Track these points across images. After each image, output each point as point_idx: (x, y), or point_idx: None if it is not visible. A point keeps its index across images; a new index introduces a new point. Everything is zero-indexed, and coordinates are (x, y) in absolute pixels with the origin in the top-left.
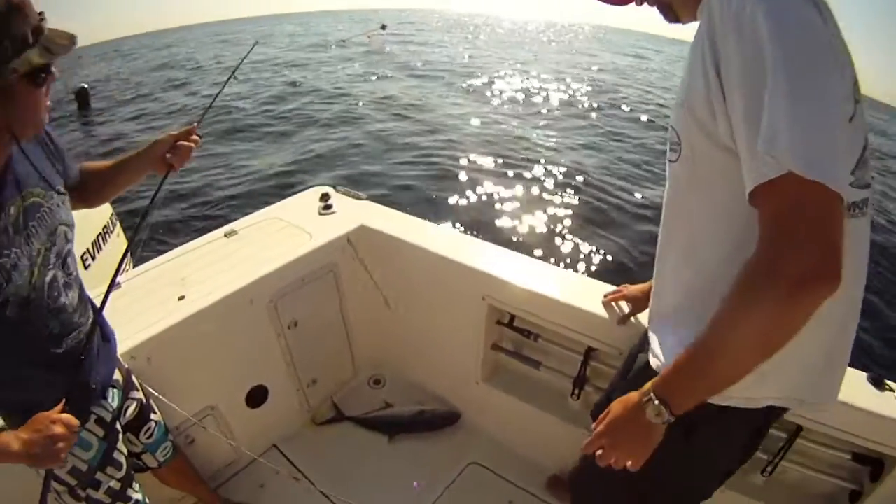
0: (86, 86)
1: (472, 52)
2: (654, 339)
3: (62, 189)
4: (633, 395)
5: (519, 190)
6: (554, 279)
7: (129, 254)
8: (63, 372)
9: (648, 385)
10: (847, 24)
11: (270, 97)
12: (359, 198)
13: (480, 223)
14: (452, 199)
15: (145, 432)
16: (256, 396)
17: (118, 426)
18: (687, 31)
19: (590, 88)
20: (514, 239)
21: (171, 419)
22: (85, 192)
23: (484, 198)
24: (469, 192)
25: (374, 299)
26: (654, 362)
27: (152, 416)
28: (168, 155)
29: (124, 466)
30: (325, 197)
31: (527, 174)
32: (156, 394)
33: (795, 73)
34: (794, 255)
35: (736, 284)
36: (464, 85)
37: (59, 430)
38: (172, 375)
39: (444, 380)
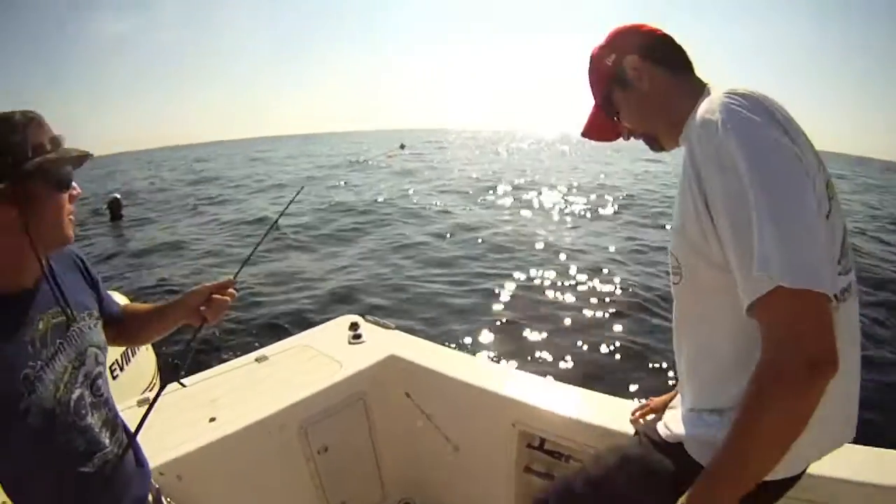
0: (118, 196)
1: (495, 165)
2: (676, 420)
3: (95, 313)
4: None
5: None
6: (581, 401)
7: (162, 383)
8: (94, 492)
9: (682, 499)
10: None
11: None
12: (388, 327)
13: (508, 339)
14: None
15: None
16: None
17: None
18: None
19: (609, 196)
20: (543, 358)
21: None
22: (125, 331)
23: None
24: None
25: (403, 427)
26: (666, 434)
27: None
28: (202, 308)
29: None
30: (354, 326)
31: (552, 282)
32: None
33: (775, 197)
34: (795, 357)
35: (748, 389)
36: (489, 197)
37: None
38: (201, 494)
39: (476, 502)
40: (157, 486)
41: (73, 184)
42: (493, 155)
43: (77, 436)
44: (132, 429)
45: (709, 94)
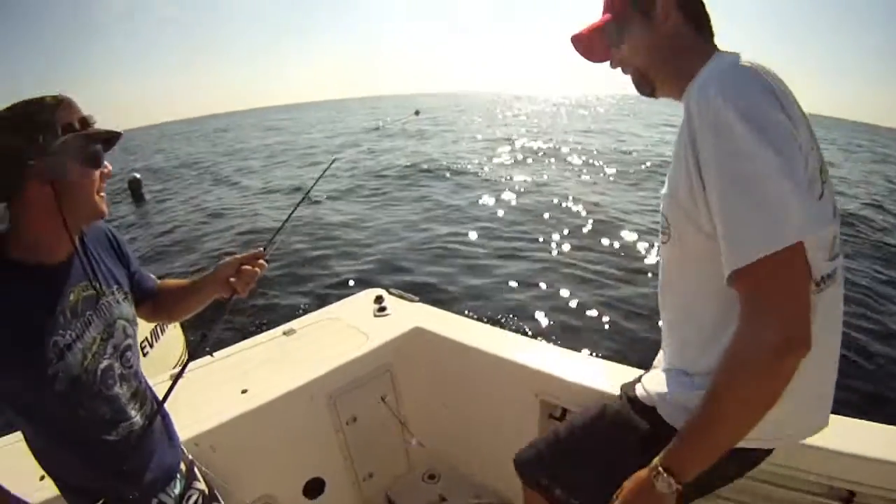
0: (138, 175)
1: (505, 127)
2: (653, 380)
3: (125, 288)
4: (643, 472)
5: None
6: (603, 371)
7: (190, 357)
8: (119, 460)
9: (656, 460)
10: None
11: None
12: (412, 300)
13: (535, 307)
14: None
15: None
16: (314, 488)
17: None
18: None
19: (640, 163)
20: (568, 326)
21: None
22: (161, 306)
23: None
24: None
25: (428, 397)
26: (642, 395)
27: None
28: (233, 279)
29: None
30: (379, 299)
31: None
32: (217, 479)
33: (766, 169)
34: (769, 332)
35: (722, 359)
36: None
37: None
38: (234, 464)
39: (499, 474)
40: (190, 456)
41: (105, 162)
42: (512, 117)
43: (102, 404)
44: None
45: (717, 59)
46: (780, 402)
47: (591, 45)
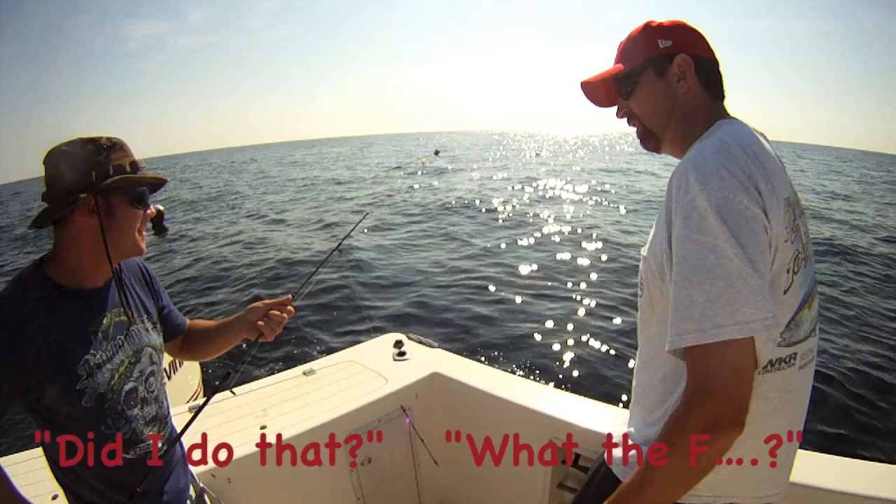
0: (161, 207)
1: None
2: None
3: (154, 318)
4: None
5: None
6: (616, 418)
7: (212, 391)
8: (134, 478)
9: None
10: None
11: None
12: (431, 346)
13: (548, 355)
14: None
15: None
16: None
17: None
18: None
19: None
20: (581, 374)
21: None
22: (189, 344)
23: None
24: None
25: (443, 442)
26: (607, 455)
27: None
28: (260, 323)
29: None
30: (398, 344)
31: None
32: None
33: (725, 262)
34: (702, 409)
35: (662, 429)
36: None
37: None
38: (248, 497)
39: None
40: (201, 484)
41: (150, 204)
42: (534, 156)
43: (124, 422)
44: (179, 430)
45: (717, 129)
46: (722, 469)
47: (598, 91)
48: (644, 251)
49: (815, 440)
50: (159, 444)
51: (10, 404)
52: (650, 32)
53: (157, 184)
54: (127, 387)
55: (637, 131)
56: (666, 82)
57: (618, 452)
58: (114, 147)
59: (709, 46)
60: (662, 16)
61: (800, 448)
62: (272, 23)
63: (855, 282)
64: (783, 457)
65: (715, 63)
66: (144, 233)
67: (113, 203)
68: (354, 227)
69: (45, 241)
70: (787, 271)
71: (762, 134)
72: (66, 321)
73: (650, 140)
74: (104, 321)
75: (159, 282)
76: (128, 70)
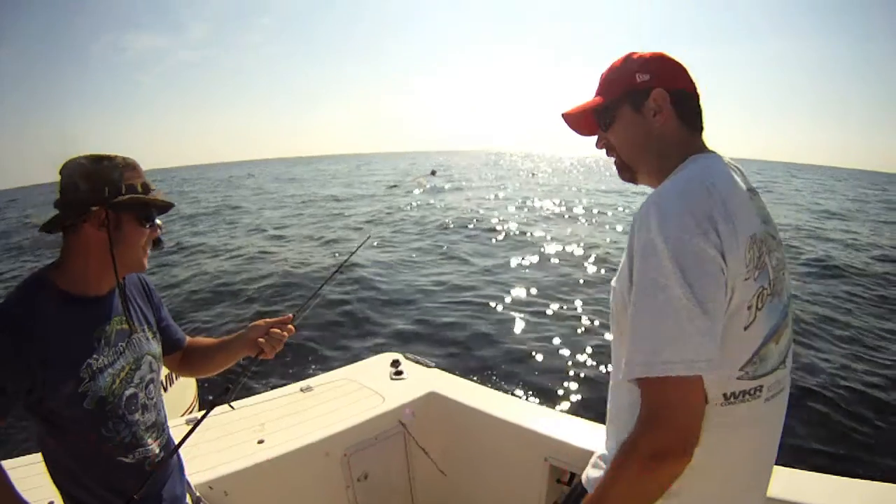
0: (159, 222)
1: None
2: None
3: (154, 329)
4: None
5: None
6: None
7: (211, 405)
8: (132, 483)
9: None
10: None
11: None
12: (427, 366)
13: (545, 373)
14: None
15: None
16: None
17: None
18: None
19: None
20: (578, 394)
21: None
22: (187, 361)
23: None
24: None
25: (440, 460)
26: (583, 476)
27: None
28: (261, 340)
29: None
30: (395, 363)
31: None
32: None
33: (675, 301)
34: (649, 437)
35: (616, 452)
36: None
37: None
38: None
39: None
40: (197, 494)
41: (158, 224)
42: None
43: (124, 427)
44: (177, 440)
45: (689, 164)
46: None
47: (580, 121)
48: (613, 282)
49: (811, 459)
50: (157, 451)
51: (14, 405)
52: (629, 65)
53: (165, 207)
54: (128, 392)
55: (615, 162)
56: (642, 116)
57: (593, 472)
58: (128, 167)
59: (688, 79)
60: (664, 40)
61: (793, 468)
62: (269, 39)
63: (849, 301)
64: (754, 485)
65: (693, 96)
66: (148, 250)
67: (122, 219)
68: (357, 249)
69: (44, 252)
70: (749, 308)
71: (737, 168)
72: (70, 325)
73: (626, 171)
74: (107, 328)
75: (158, 295)
76: (126, 80)
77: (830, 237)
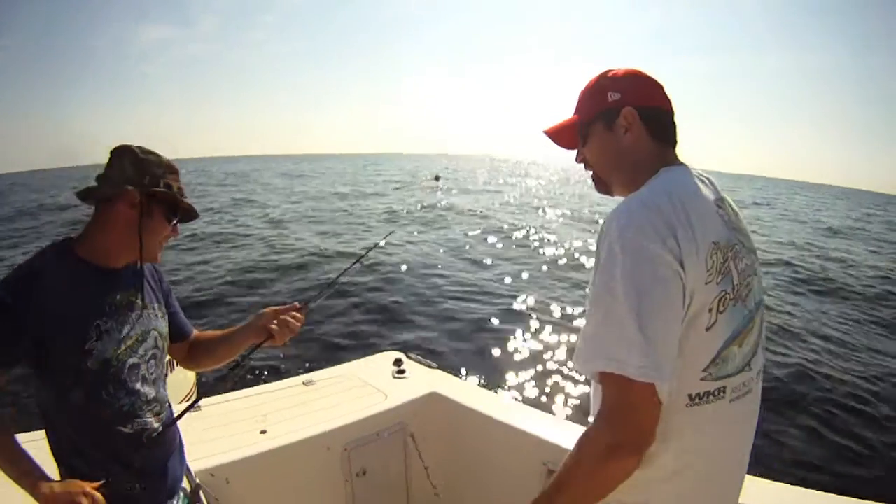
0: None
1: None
2: None
3: (163, 309)
4: None
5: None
6: None
7: (208, 393)
8: (127, 452)
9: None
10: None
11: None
12: (430, 366)
13: (543, 379)
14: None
15: None
16: None
17: None
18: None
19: None
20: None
21: None
22: (193, 355)
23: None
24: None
25: (439, 460)
26: None
27: None
28: (273, 326)
29: None
30: (398, 362)
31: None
32: None
33: (629, 303)
34: (602, 432)
35: (575, 442)
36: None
37: (84, 502)
38: (244, 499)
39: None
40: (197, 480)
41: (178, 227)
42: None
43: (124, 395)
44: (180, 426)
45: (659, 177)
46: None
47: (561, 137)
48: (589, 286)
49: (805, 475)
50: (157, 426)
51: (21, 353)
52: (602, 85)
53: (191, 214)
54: (131, 361)
55: (591, 176)
56: (613, 134)
57: None
58: (171, 169)
59: (661, 95)
60: (664, 45)
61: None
62: (272, 37)
63: (843, 318)
64: (726, 485)
65: (665, 112)
66: (163, 246)
67: (152, 209)
68: (378, 244)
69: (47, 239)
70: (710, 311)
71: (707, 179)
72: (83, 286)
73: (602, 185)
74: (118, 297)
75: (168, 285)
76: (132, 72)
77: (830, 256)
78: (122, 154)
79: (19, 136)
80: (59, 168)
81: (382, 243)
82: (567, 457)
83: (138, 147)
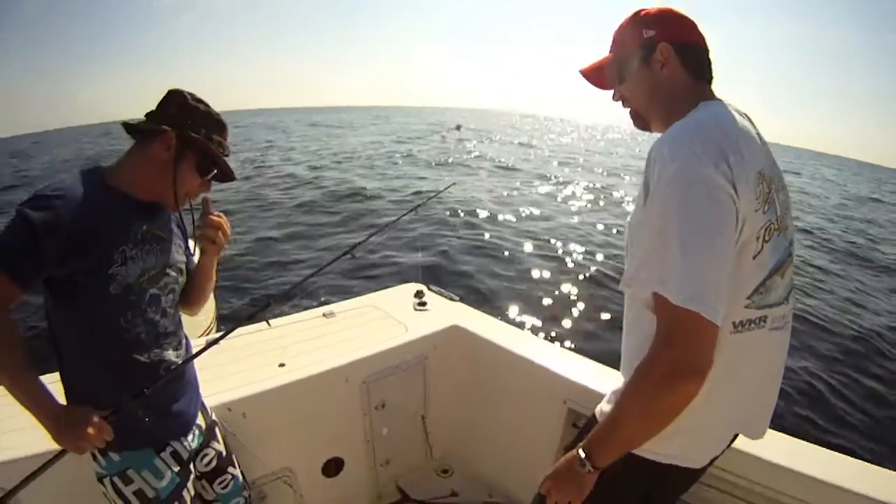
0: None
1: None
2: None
3: (186, 246)
4: (573, 452)
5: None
6: None
7: (229, 326)
8: (141, 381)
9: (582, 443)
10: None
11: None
12: (452, 299)
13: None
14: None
15: (220, 483)
16: (332, 467)
17: (192, 467)
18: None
19: None
20: (593, 342)
21: (249, 472)
22: (184, 297)
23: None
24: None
25: (457, 393)
26: (597, 409)
27: (230, 469)
28: (198, 234)
29: None
30: (419, 294)
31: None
32: (242, 444)
33: (687, 229)
34: (665, 356)
35: (633, 371)
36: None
37: (91, 431)
38: (261, 434)
39: (513, 475)
40: (213, 417)
41: (209, 185)
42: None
43: (142, 324)
44: (197, 361)
45: (699, 108)
46: (684, 424)
47: (597, 77)
48: (629, 219)
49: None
50: (174, 359)
51: (45, 269)
52: (637, 23)
53: (227, 175)
54: (152, 291)
55: (629, 112)
56: (650, 69)
57: (607, 407)
58: (219, 124)
59: (695, 32)
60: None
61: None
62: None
63: (867, 289)
64: (760, 412)
65: (700, 48)
66: (193, 198)
67: (186, 154)
68: (437, 195)
69: None
70: (757, 239)
71: (745, 114)
72: (111, 212)
73: (640, 120)
74: (144, 227)
75: (193, 239)
76: (160, 26)
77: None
78: (173, 96)
79: (37, 96)
80: (86, 125)
81: (438, 195)
82: (622, 391)
83: (190, 94)
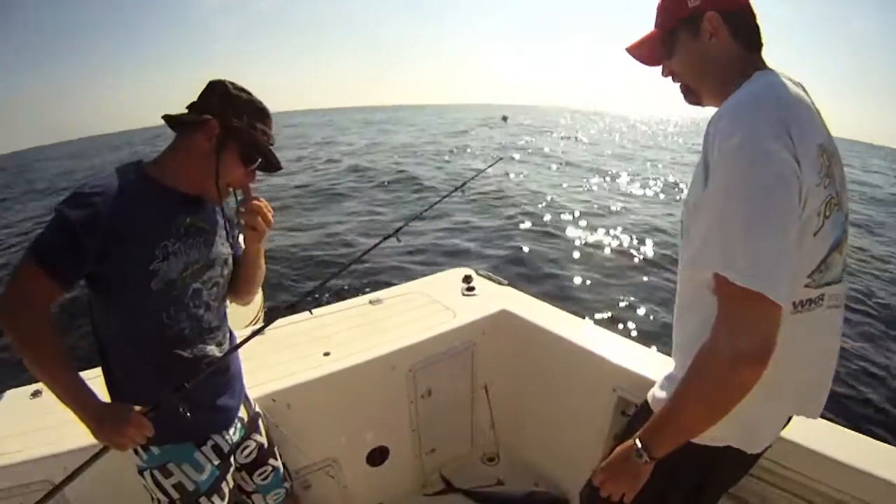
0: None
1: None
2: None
3: (230, 238)
4: (629, 442)
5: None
6: None
7: (273, 317)
8: (182, 376)
9: (639, 433)
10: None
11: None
12: (500, 283)
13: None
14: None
15: (260, 474)
16: (377, 456)
17: (232, 460)
18: None
19: None
20: (644, 328)
21: (293, 462)
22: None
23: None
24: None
25: (505, 380)
26: (649, 395)
27: (271, 461)
28: (242, 221)
29: (227, 499)
30: (467, 279)
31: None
32: (286, 435)
33: (752, 207)
34: (729, 341)
35: (694, 357)
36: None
37: (131, 430)
38: (306, 423)
39: (560, 463)
40: (256, 408)
41: (254, 175)
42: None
43: (185, 319)
44: (241, 352)
45: (754, 79)
46: (741, 407)
47: (644, 54)
48: (684, 196)
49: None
50: (217, 355)
51: (86, 265)
52: None
53: (272, 163)
54: (195, 285)
55: (680, 87)
56: (699, 40)
57: (660, 392)
58: (263, 113)
59: (743, 0)
60: None
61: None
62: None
63: None
64: (816, 393)
65: (748, 15)
66: (230, 193)
67: (228, 145)
68: (485, 170)
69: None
70: (818, 214)
71: (799, 84)
72: (153, 206)
73: (691, 95)
74: (187, 220)
75: (237, 228)
76: (208, 27)
77: None
78: (215, 87)
79: (82, 100)
80: (128, 130)
81: (486, 170)
82: (683, 377)
83: (231, 83)
